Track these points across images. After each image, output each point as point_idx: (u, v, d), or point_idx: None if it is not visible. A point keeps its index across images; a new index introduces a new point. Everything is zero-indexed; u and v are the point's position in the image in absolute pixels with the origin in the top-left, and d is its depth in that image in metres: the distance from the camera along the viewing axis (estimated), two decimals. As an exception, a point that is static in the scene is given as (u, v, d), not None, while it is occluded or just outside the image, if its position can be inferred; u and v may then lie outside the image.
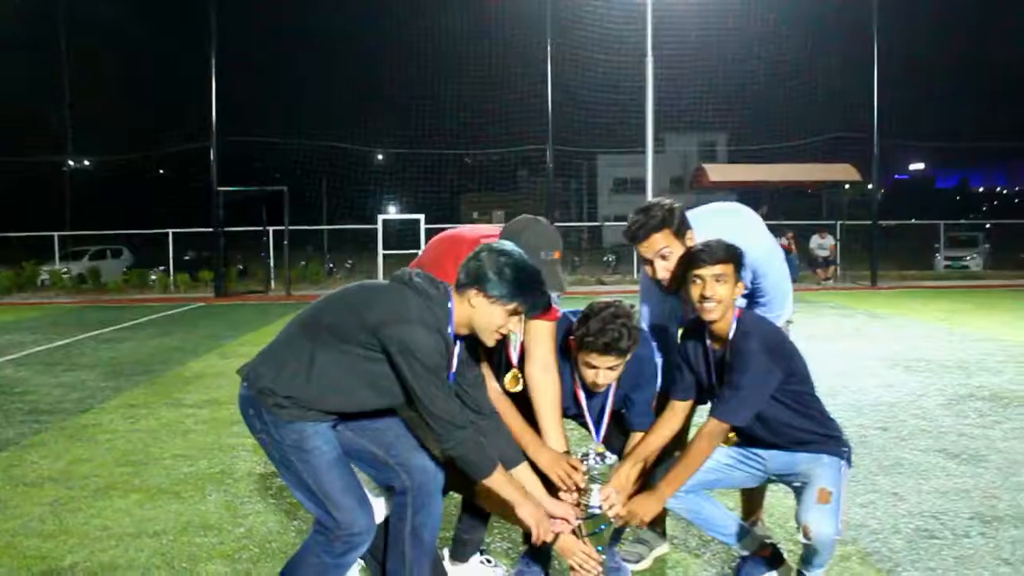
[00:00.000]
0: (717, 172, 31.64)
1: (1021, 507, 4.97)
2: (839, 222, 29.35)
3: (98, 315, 18.78)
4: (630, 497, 3.64)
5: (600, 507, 3.56)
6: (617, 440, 3.85)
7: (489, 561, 3.98)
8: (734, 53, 27.50)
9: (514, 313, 3.21)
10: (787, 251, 27.32)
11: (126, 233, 32.91)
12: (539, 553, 3.95)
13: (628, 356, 3.59)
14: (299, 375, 3.14)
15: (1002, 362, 10.20)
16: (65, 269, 28.55)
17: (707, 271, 3.50)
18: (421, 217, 26.43)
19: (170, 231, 29.10)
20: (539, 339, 3.65)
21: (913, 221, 41.12)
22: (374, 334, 3.07)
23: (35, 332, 15.25)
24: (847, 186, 31.26)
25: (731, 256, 3.54)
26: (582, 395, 3.82)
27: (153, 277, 28.38)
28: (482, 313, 3.19)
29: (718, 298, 3.49)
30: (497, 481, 3.25)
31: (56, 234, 30.44)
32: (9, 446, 6.76)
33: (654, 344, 4.01)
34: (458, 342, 3.31)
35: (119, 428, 7.37)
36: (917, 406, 7.76)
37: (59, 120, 29.08)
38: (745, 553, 3.87)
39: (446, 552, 3.97)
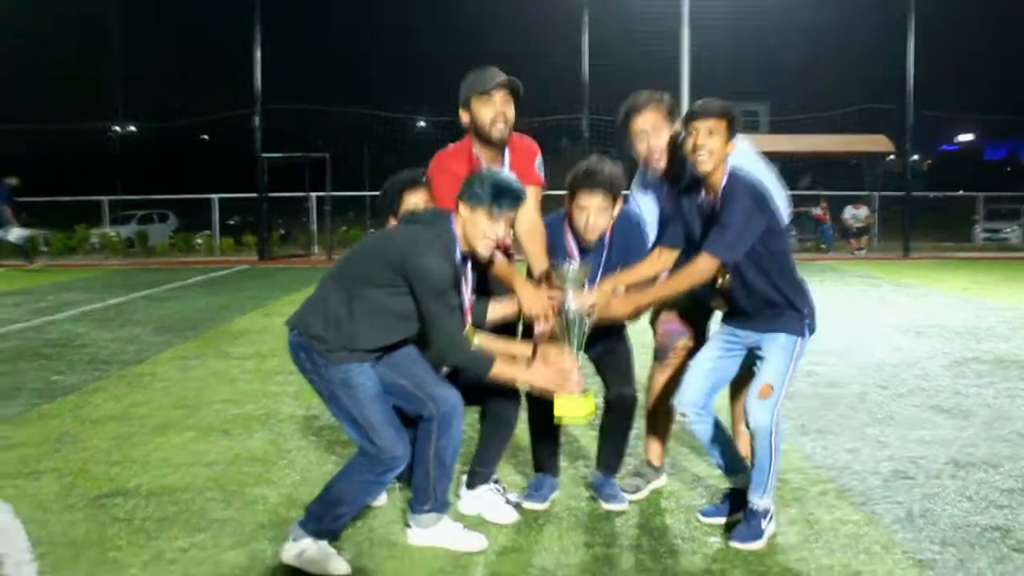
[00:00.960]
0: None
1: (995, 455, 5.41)
2: (875, 193, 29.40)
3: (147, 276, 19.49)
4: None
5: (573, 307, 4.04)
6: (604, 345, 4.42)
7: (498, 489, 4.49)
8: (772, 22, 27.55)
9: (494, 218, 3.72)
10: (820, 221, 27.49)
11: (173, 198, 33.74)
12: (544, 481, 4.51)
13: (613, 196, 4.26)
14: (343, 321, 3.68)
15: (1014, 329, 10.54)
16: (114, 232, 29.37)
17: (701, 123, 3.96)
18: (460, 184, 26.83)
19: (215, 196, 29.83)
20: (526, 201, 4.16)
21: (958, 192, 40.86)
22: (396, 271, 3.62)
23: (89, 291, 15.96)
24: (891, 157, 31.19)
25: (724, 112, 4.00)
26: (575, 253, 4.39)
27: (199, 241, 29.13)
28: (469, 223, 3.76)
29: (709, 148, 3.96)
30: (498, 373, 3.79)
31: (106, 198, 31.27)
32: (74, 390, 7.39)
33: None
34: (467, 263, 3.92)
35: (172, 376, 7.98)
36: (920, 367, 8.17)
37: (109, 87, 29.81)
38: (736, 487, 4.35)
39: (463, 478, 4.50)
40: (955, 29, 28.41)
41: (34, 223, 29.59)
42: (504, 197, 3.73)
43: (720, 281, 4.08)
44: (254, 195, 26.37)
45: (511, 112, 4.25)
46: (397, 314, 3.71)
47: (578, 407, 3.98)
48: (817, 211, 27.69)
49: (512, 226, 3.95)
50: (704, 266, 3.99)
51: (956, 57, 29.30)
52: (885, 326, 10.84)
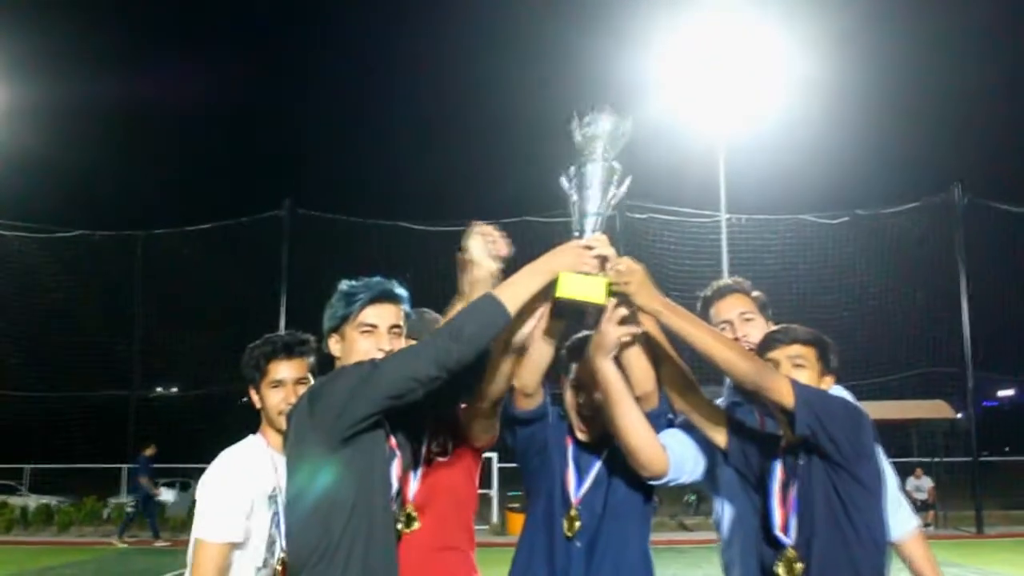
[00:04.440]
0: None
1: None
2: (934, 459, 27.56)
3: (146, 562, 17.97)
4: None
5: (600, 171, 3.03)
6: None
7: None
8: (814, 288, 26.82)
9: (365, 330, 2.96)
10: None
11: (194, 467, 32.47)
12: None
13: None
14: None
15: None
16: (133, 501, 27.98)
17: (781, 353, 3.03)
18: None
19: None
20: None
21: (1013, 457, 38.89)
22: (321, 430, 2.78)
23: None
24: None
25: (813, 339, 3.07)
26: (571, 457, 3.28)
27: (216, 513, 27.62)
28: (346, 350, 3.00)
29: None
30: (508, 296, 2.76)
31: (125, 467, 30.02)
32: None
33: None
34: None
35: None
36: None
37: (128, 354, 29.52)
38: None
39: None
40: (1003, 293, 27.44)
41: (49, 491, 28.65)
42: (358, 294, 3.00)
43: (786, 571, 2.86)
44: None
45: None
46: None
47: (587, 284, 2.95)
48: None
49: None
50: (772, 372, 2.88)
51: (1002, 318, 28.19)
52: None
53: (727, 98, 24.39)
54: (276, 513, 3.13)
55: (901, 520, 3.28)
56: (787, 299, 24.67)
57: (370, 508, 2.79)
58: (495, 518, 23.88)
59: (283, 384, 3.22)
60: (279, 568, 3.11)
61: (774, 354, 3.04)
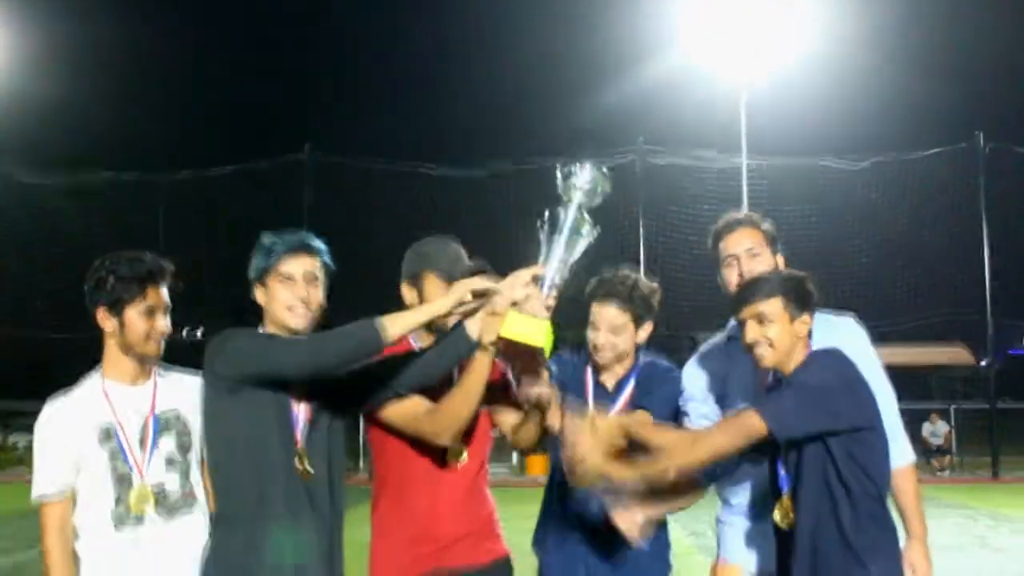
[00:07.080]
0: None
1: None
2: (952, 405, 27.56)
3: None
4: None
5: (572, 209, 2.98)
6: None
7: None
8: (835, 233, 26.66)
9: (284, 279, 3.10)
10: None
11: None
12: None
13: (629, 314, 3.44)
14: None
15: None
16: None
17: (748, 312, 2.95)
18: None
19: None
20: None
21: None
22: (218, 374, 3.03)
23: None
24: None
25: (775, 290, 2.94)
26: (590, 392, 3.53)
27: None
28: (268, 305, 3.15)
29: (768, 340, 2.90)
30: (393, 329, 2.87)
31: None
32: None
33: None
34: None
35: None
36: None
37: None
38: None
39: None
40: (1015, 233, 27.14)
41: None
42: (275, 246, 3.13)
43: (781, 518, 2.93)
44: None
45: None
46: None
47: (529, 326, 2.88)
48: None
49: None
50: (743, 423, 2.78)
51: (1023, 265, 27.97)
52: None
53: (749, 41, 24.15)
54: (118, 448, 3.10)
55: (893, 452, 3.17)
56: (807, 244, 24.54)
57: (263, 446, 3.03)
58: (514, 459, 24.14)
59: (156, 310, 3.17)
60: (133, 498, 3.08)
61: (742, 315, 2.99)
